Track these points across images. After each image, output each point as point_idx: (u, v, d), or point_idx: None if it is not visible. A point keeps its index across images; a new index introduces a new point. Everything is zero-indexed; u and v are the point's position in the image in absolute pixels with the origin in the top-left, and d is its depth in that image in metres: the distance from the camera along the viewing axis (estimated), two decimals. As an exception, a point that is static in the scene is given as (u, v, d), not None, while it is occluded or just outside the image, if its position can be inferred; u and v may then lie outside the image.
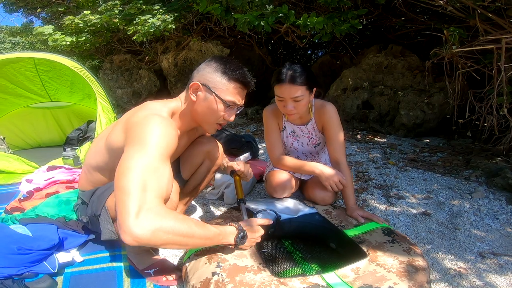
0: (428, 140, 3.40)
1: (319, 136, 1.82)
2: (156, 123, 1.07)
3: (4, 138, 2.97)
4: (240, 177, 1.65)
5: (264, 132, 1.86)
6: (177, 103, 1.30)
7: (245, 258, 1.14)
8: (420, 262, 1.12)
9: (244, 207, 1.52)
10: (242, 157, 1.78)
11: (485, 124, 2.61)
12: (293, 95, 1.53)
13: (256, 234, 1.24)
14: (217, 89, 1.23)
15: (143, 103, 1.24)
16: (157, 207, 0.95)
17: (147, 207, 0.93)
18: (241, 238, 1.18)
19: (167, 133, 1.08)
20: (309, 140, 1.84)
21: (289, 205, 1.61)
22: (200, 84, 1.23)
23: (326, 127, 1.72)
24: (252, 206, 1.56)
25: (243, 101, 1.32)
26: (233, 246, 1.20)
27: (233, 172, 1.66)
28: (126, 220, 0.90)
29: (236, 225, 1.21)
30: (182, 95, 1.32)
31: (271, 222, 1.32)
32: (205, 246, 1.15)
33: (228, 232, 1.16)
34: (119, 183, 0.97)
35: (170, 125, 1.12)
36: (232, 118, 1.31)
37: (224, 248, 1.19)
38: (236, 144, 2.51)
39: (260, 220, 1.32)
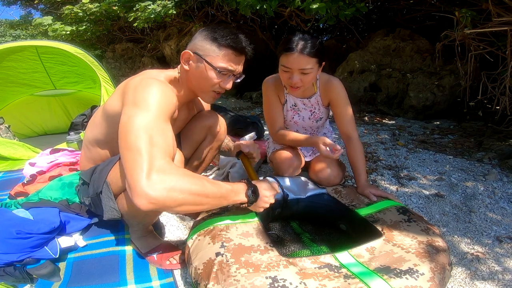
0: (438, 122, 3.31)
1: (322, 110, 1.73)
2: (154, 85, 1.03)
3: (9, 126, 2.95)
4: (248, 158, 1.55)
5: (263, 105, 1.75)
6: (174, 72, 1.27)
7: (251, 237, 1.08)
8: (440, 243, 1.05)
9: None
10: (247, 136, 1.71)
11: (498, 107, 2.55)
12: (302, 67, 1.41)
13: (268, 192, 1.17)
14: (207, 56, 1.18)
15: (140, 72, 1.20)
16: (168, 165, 0.91)
17: (158, 165, 0.89)
18: (252, 193, 1.11)
19: (166, 94, 1.04)
20: (311, 114, 1.74)
21: (297, 184, 1.54)
22: (191, 53, 1.19)
23: (335, 103, 1.63)
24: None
25: (240, 67, 1.25)
26: (246, 205, 1.13)
27: (240, 154, 1.55)
28: (138, 181, 0.85)
29: (244, 180, 1.16)
30: (179, 66, 1.27)
31: (279, 190, 1.24)
32: (220, 206, 1.10)
33: (240, 188, 1.10)
34: (125, 144, 0.92)
35: (168, 87, 1.08)
36: (228, 86, 1.24)
37: (228, 227, 1.13)
38: (241, 124, 2.45)
39: (271, 182, 1.25)
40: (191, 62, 1.20)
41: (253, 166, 1.56)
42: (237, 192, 1.09)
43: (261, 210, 1.18)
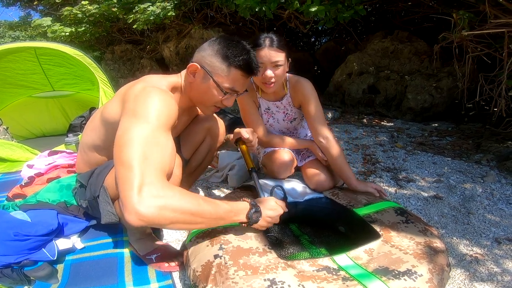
0: (436, 124, 3.32)
1: (294, 111, 1.76)
2: (155, 94, 1.01)
3: (7, 128, 2.95)
4: (247, 146, 1.51)
5: (240, 113, 1.76)
6: (177, 79, 1.24)
7: (249, 239, 1.08)
8: (438, 244, 1.05)
9: (257, 176, 1.40)
10: (242, 129, 1.70)
11: (495, 109, 2.56)
12: (274, 60, 1.46)
13: (272, 212, 1.13)
14: (215, 74, 1.15)
15: (141, 77, 1.18)
16: (161, 182, 0.89)
17: (150, 181, 0.86)
18: (254, 214, 1.07)
19: (167, 104, 1.02)
20: (285, 116, 1.78)
21: (296, 188, 1.54)
22: (198, 67, 1.16)
23: (304, 103, 1.65)
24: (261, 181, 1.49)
25: (245, 87, 1.24)
26: (245, 225, 1.09)
27: (239, 140, 1.52)
28: (129, 197, 0.83)
29: (249, 200, 1.11)
30: (183, 72, 1.26)
31: (286, 209, 1.20)
32: (217, 226, 1.07)
33: (240, 208, 1.06)
34: (118, 157, 0.91)
35: (169, 97, 1.06)
36: (230, 104, 1.24)
37: (227, 230, 1.12)
38: (240, 126, 2.45)
39: (278, 201, 1.21)
40: (196, 75, 1.18)
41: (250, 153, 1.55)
42: (237, 212, 1.05)
43: (262, 228, 1.14)
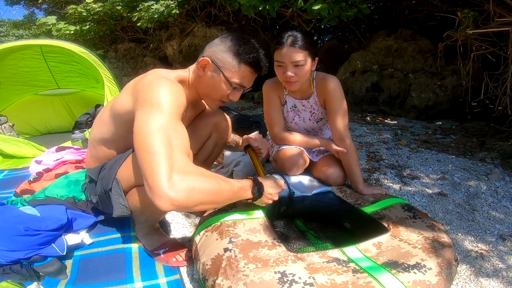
0: (440, 122, 3.32)
1: (321, 111, 1.74)
2: (166, 85, 1.04)
3: (13, 125, 2.96)
4: (256, 152, 1.55)
5: (264, 106, 1.77)
6: (185, 73, 1.27)
7: (258, 233, 1.09)
8: (445, 238, 1.06)
9: None
10: (251, 135, 1.71)
11: (500, 107, 2.56)
12: (294, 59, 1.44)
13: (272, 189, 1.21)
14: (225, 69, 1.19)
15: (150, 70, 1.20)
16: (187, 165, 0.93)
17: (178, 166, 0.90)
18: (258, 190, 1.15)
19: (178, 94, 1.05)
20: (311, 115, 1.75)
21: (303, 182, 1.55)
22: (209, 61, 1.19)
23: (328, 100, 1.63)
24: None
25: (251, 83, 1.28)
26: (250, 200, 1.17)
27: (248, 147, 1.54)
28: (159, 183, 0.86)
29: (251, 177, 1.18)
30: (192, 66, 1.28)
31: (285, 187, 1.29)
32: (230, 202, 1.14)
33: (247, 185, 1.13)
34: (142, 146, 0.93)
35: (178, 86, 1.10)
36: (236, 99, 1.28)
37: (236, 223, 1.14)
38: (245, 123, 2.48)
39: (277, 179, 1.28)
40: (207, 69, 1.21)
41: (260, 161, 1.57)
42: (245, 189, 1.12)
43: (263, 205, 1.23)
